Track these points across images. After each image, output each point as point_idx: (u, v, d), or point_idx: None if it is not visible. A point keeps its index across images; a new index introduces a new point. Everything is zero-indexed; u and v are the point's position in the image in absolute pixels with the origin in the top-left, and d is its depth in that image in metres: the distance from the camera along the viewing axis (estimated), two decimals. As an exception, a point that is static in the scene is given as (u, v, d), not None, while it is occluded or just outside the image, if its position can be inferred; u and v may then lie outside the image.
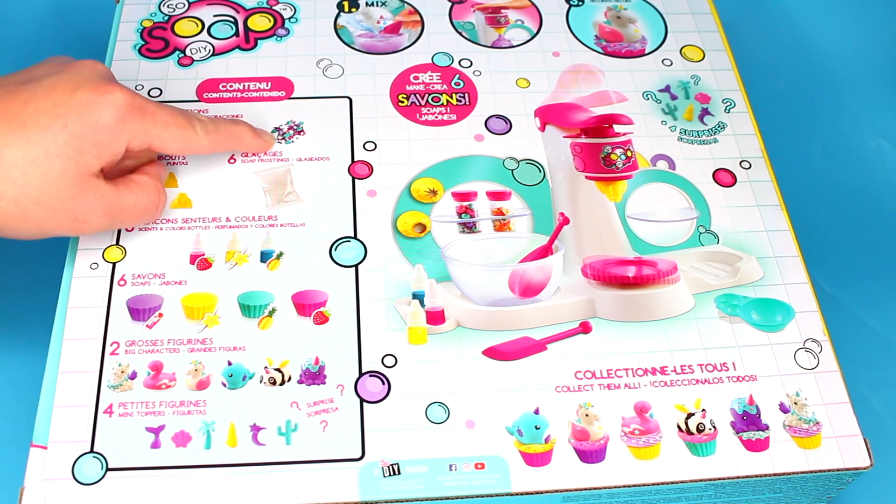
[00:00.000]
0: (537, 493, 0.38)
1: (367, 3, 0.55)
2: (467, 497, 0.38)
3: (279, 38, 0.52)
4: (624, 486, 0.38)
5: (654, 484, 0.38)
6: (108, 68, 0.42)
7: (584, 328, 0.42)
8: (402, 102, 0.50)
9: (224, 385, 0.40)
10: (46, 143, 0.37)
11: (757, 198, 0.48)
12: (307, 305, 0.42)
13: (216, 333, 0.41)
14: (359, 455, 0.38)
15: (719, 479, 0.39)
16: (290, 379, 0.40)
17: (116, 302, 0.42)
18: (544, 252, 0.44)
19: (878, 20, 0.68)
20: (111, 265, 0.43)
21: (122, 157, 0.41)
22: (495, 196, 0.47)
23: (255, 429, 0.39)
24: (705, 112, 0.51)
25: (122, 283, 0.42)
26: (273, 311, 0.42)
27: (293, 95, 0.50)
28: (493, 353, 0.41)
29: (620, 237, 0.46)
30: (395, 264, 0.44)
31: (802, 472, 0.39)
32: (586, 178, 0.48)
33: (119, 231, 0.44)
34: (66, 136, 0.38)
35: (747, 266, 0.45)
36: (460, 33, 0.54)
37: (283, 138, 0.48)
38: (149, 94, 0.49)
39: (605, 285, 0.44)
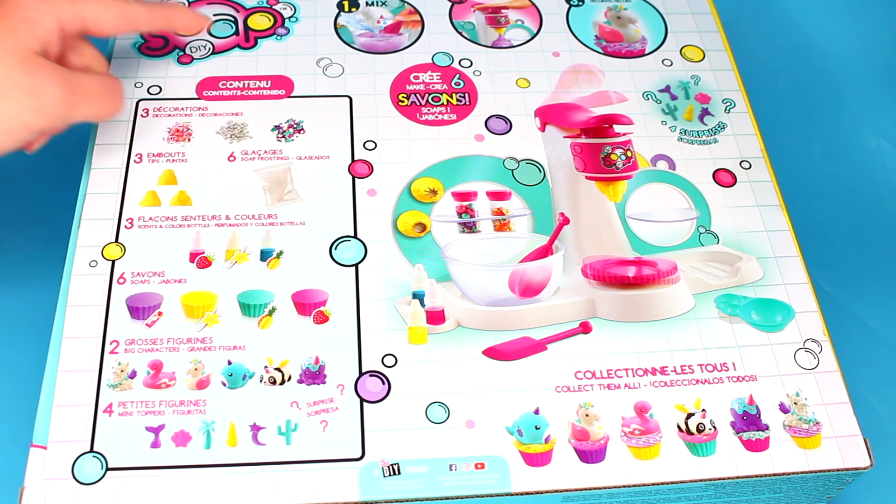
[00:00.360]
0: (537, 493, 0.38)
1: (367, 3, 0.55)
2: (467, 497, 0.38)
3: (279, 38, 0.52)
4: (624, 486, 0.38)
5: (654, 484, 0.38)
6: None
7: (584, 328, 0.42)
8: (403, 102, 0.50)
9: (224, 384, 0.40)
10: None
11: (757, 198, 0.48)
12: (307, 305, 0.42)
13: (216, 332, 0.41)
14: (359, 455, 0.38)
15: (719, 479, 0.39)
16: (290, 378, 0.40)
17: (116, 300, 0.42)
18: (544, 252, 0.44)
19: (878, 20, 0.68)
20: (110, 263, 0.43)
21: (57, 36, 0.40)
22: (495, 196, 0.47)
23: (255, 428, 0.39)
24: (705, 112, 0.51)
25: (121, 281, 0.42)
26: (273, 310, 0.42)
27: (293, 94, 0.50)
28: (493, 353, 0.41)
29: (620, 237, 0.46)
30: (395, 264, 0.44)
31: (802, 472, 0.39)
32: (586, 178, 0.48)
33: (118, 228, 0.44)
34: (3, 13, 0.38)
35: (747, 266, 0.45)
36: (460, 33, 0.54)
37: (284, 137, 0.48)
38: (148, 91, 0.49)
39: (605, 285, 0.44)
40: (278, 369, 0.40)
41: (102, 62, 0.45)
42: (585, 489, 0.38)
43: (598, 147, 0.48)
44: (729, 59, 0.54)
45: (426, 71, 0.52)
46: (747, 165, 0.49)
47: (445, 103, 0.50)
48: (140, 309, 0.41)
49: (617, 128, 0.49)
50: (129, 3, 0.43)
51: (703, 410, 0.40)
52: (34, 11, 0.39)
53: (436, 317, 0.42)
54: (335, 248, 0.44)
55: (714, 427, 0.40)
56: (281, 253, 0.44)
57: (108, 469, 0.37)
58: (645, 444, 0.39)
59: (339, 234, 0.44)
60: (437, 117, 0.49)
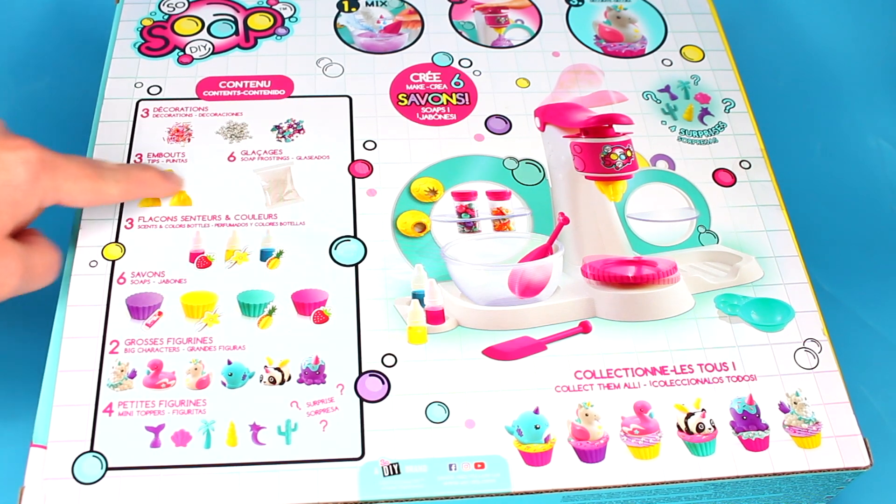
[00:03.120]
0: (537, 492, 0.38)
1: (367, 3, 0.55)
2: (467, 497, 0.38)
3: (279, 38, 0.52)
4: (624, 486, 0.38)
5: (653, 484, 0.38)
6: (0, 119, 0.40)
7: (584, 328, 0.42)
8: (402, 102, 0.50)
9: (224, 384, 0.40)
10: None
11: (757, 198, 0.48)
12: (307, 304, 0.42)
13: (216, 332, 0.41)
14: (359, 455, 0.38)
15: (719, 478, 0.39)
16: (289, 378, 0.40)
17: (116, 300, 0.42)
18: (544, 252, 0.44)
19: (878, 20, 0.68)
20: (110, 263, 0.43)
21: (33, 217, 0.39)
22: (495, 196, 0.47)
23: (255, 428, 0.39)
24: (705, 112, 0.51)
25: (121, 280, 0.42)
26: (273, 310, 0.42)
27: (293, 94, 0.50)
28: (493, 352, 0.41)
29: (620, 237, 0.46)
30: (395, 264, 0.44)
31: (802, 472, 0.39)
32: (586, 178, 0.48)
33: (118, 228, 0.44)
34: None
35: (747, 266, 0.45)
36: (460, 33, 0.54)
37: (283, 137, 0.48)
38: (148, 91, 0.49)
39: (605, 285, 0.44)
40: (278, 369, 0.40)
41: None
42: (585, 489, 0.38)
43: (598, 147, 0.48)
44: (729, 59, 0.54)
45: (426, 71, 0.52)
46: (747, 165, 0.49)
47: (445, 103, 0.50)
48: (140, 309, 0.41)
49: (617, 128, 0.49)
50: (103, 180, 0.41)
51: (703, 410, 0.40)
52: (21, 193, 0.37)
53: (435, 316, 0.42)
54: (335, 248, 0.44)
55: (714, 427, 0.40)
56: (281, 253, 0.44)
57: (107, 469, 0.37)
58: (645, 443, 0.39)
59: (339, 234, 0.44)
60: (436, 117, 0.49)
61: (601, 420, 0.40)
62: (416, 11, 0.55)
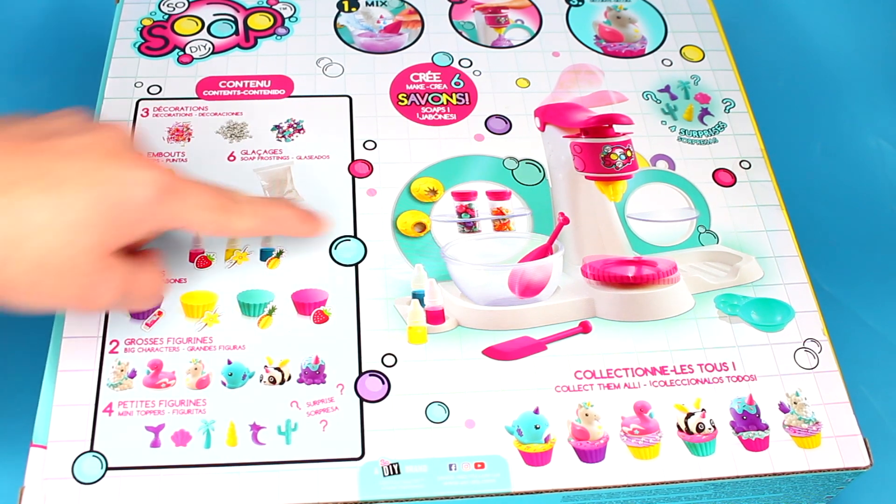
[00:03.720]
0: (537, 492, 0.38)
1: (367, 3, 0.55)
2: (467, 497, 0.38)
3: (279, 37, 0.52)
4: (624, 486, 0.38)
5: (653, 484, 0.38)
6: (129, 135, 0.38)
7: (584, 328, 0.42)
8: (402, 102, 0.50)
9: (224, 384, 0.40)
10: (77, 212, 0.33)
11: (757, 198, 0.48)
12: (307, 304, 0.42)
13: (216, 332, 0.41)
14: (359, 454, 0.38)
15: (719, 478, 0.39)
16: (289, 378, 0.40)
17: (116, 301, 0.42)
18: (544, 252, 0.44)
19: (878, 20, 0.68)
20: (111, 264, 0.43)
21: (148, 236, 0.38)
22: (495, 196, 0.47)
23: (255, 428, 0.39)
24: (705, 112, 0.51)
25: (121, 281, 0.42)
26: (273, 309, 0.42)
27: (293, 94, 0.50)
28: (493, 352, 0.41)
29: (620, 237, 0.46)
30: (395, 264, 0.44)
31: (802, 472, 0.39)
32: (586, 178, 0.48)
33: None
34: (99, 210, 0.34)
35: (747, 266, 0.45)
36: (460, 33, 0.54)
37: (284, 136, 0.48)
38: (148, 91, 0.49)
39: (605, 285, 0.44)
40: (278, 369, 0.40)
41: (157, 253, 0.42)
42: (585, 489, 0.38)
43: (598, 147, 0.48)
44: (729, 59, 0.54)
45: (426, 71, 0.52)
46: (747, 165, 0.49)
47: (445, 103, 0.50)
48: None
49: (617, 128, 0.49)
50: (231, 214, 0.38)
51: (703, 410, 0.40)
52: (142, 215, 0.35)
53: (435, 316, 0.42)
54: (335, 248, 0.44)
55: (714, 427, 0.40)
56: (281, 252, 0.44)
57: (107, 469, 0.37)
58: (644, 443, 0.39)
59: (339, 234, 0.44)
60: (436, 117, 0.49)
61: (601, 420, 0.40)
62: (416, 11, 0.55)
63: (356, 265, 0.44)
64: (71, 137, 0.35)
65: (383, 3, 0.55)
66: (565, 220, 0.46)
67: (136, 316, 0.41)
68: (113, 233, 0.35)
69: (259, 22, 0.53)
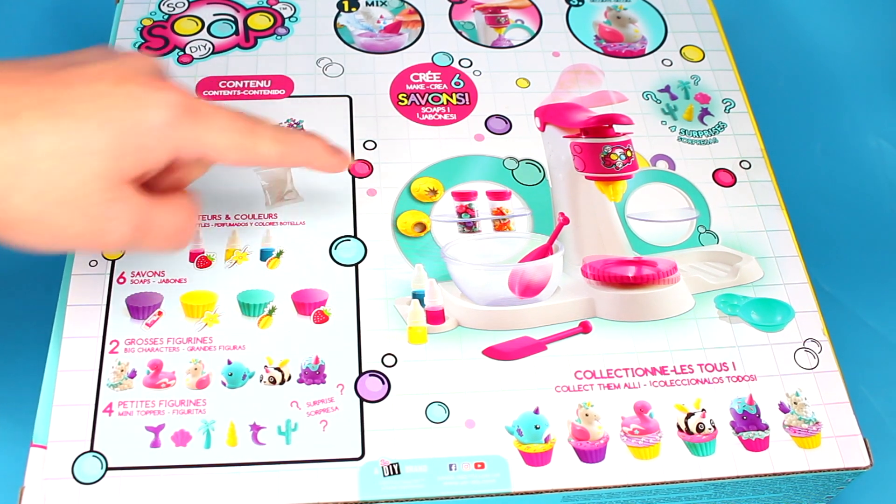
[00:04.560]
0: (537, 492, 0.38)
1: (367, 3, 0.55)
2: (467, 497, 0.38)
3: (279, 37, 0.52)
4: (624, 486, 0.38)
5: (653, 484, 0.38)
6: (159, 63, 0.36)
7: (584, 328, 0.42)
8: (402, 102, 0.50)
9: (224, 384, 0.40)
10: (83, 137, 0.31)
11: (757, 198, 0.48)
12: (307, 304, 0.42)
13: (216, 332, 0.41)
14: (359, 455, 0.38)
15: (719, 478, 0.39)
16: (289, 378, 0.40)
17: (116, 300, 0.42)
18: (544, 252, 0.44)
19: (878, 20, 0.68)
20: (110, 262, 0.43)
21: (164, 166, 0.35)
22: (495, 196, 0.47)
23: (255, 428, 0.39)
24: (705, 112, 0.51)
25: (121, 280, 0.42)
26: (273, 309, 0.42)
27: (293, 94, 0.50)
28: (493, 352, 0.41)
29: (620, 237, 0.46)
30: (395, 264, 0.44)
31: (802, 472, 0.39)
32: (586, 178, 0.48)
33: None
34: (108, 133, 0.32)
35: (747, 266, 0.45)
36: (460, 33, 0.54)
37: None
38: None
39: (605, 285, 0.44)
40: (278, 369, 0.40)
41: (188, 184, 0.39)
42: (585, 489, 0.38)
43: (598, 147, 0.48)
44: (729, 59, 0.54)
45: (426, 71, 0.52)
46: (747, 165, 0.49)
47: (445, 103, 0.50)
48: (140, 308, 0.41)
49: (617, 128, 0.49)
50: (257, 137, 0.36)
51: (703, 410, 0.40)
52: (154, 139, 0.33)
53: (436, 316, 0.42)
54: (335, 248, 0.44)
55: (714, 427, 0.40)
56: (281, 253, 0.44)
57: (107, 469, 0.37)
58: (645, 443, 0.39)
59: (339, 234, 0.44)
60: (437, 117, 0.49)
61: (601, 420, 0.40)
62: (416, 11, 0.55)
63: (356, 265, 0.44)
64: (91, 64, 0.33)
65: (383, 3, 0.55)
66: (565, 221, 0.46)
67: (136, 316, 0.41)
68: (126, 158, 0.32)
69: (259, 22, 0.53)
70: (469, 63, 0.52)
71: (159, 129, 0.33)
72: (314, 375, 0.40)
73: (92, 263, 0.43)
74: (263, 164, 0.38)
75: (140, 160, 0.33)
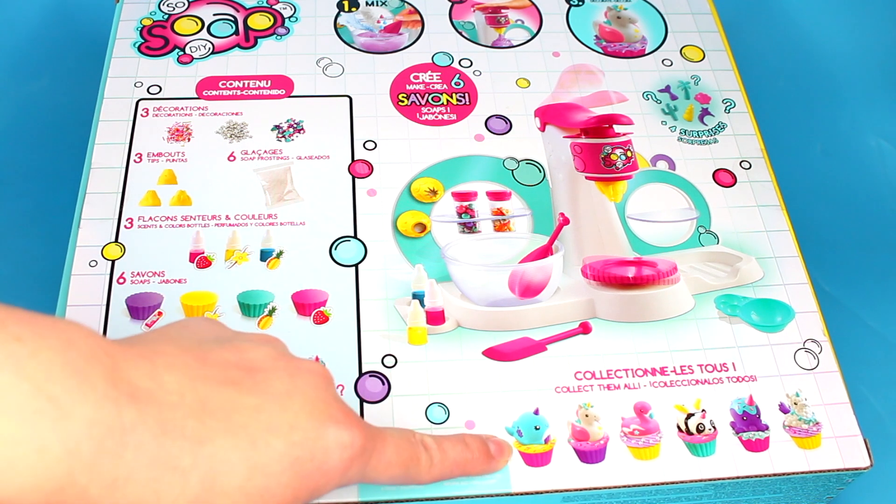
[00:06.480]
0: (537, 493, 0.38)
1: (367, 3, 0.55)
2: (467, 497, 0.38)
3: (279, 37, 0.52)
4: (624, 487, 0.38)
5: (654, 484, 0.38)
6: (329, 376, 0.33)
7: (584, 328, 0.42)
8: (403, 102, 0.50)
9: (224, 384, 0.40)
10: (270, 475, 0.28)
11: (757, 198, 0.48)
12: (307, 305, 0.42)
13: (216, 333, 0.41)
14: (358, 455, 0.38)
15: (719, 479, 0.39)
16: (289, 378, 0.40)
17: (116, 300, 0.42)
18: (544, 252, 0.44)
19: (878, 20, 0.68)
20: (110, 263, 0.43)
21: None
22: (495, 196, 0.47)
23: (255, 428, 0.38)
24: (705, 112, 0.51)
25: (121, 280, 0.42)
26: (273, 310, 0.42)
27: (293, 94, 0.50)
28: (493, 353, 0.41)
29: (620, 237, 0.46)
30: (395, 264, 0.44)
31: (802, 473, 0.39)
32: (586, 178, 0.48)
33: (118, 228, 0.44)
34: (298, 473, 0.29)
35: (747, 266, 0.45)
36: (460, 33, 0.54)
37: (284, 136, 0.48)
38: (148, 91, 0.49)
39: (605, 286, 0.44)
40: (278, 369, 0.40)
41: None
42: (585, 489, 0.38)
43: (598, 147, 0.48)
44: (729, 59, 0.54)
45: (426, 71, 0.52)
46: (747, 165, 0.49)
47: (445, 103, 0.50)
48: (140, 309, 0.41)
49: (617, 128, 0.49)
50: (417, 467, 0.34)
51: (703, 411, 0.40)
52: (333, 478, 0.31)
53: (436, 317, 0.42)
54: (335, 249, 0.44)
55: (714, 427, 0.40)
56: (281, 253, 0.44)
57: (107, 469, 0.37)
58: (645, 444, 0.39)
59: (339, 234, 0.44)
60: (437, 117, 0.49)
61: (601, 421, 0.40)
62: (416, 11, 0.55)
63: (356, 266, 0.43)
64: (275, 378, 0.31)
65: (383, 3, 0.55)
66: (565, 221, 0.46)
67: (137, 316, 0.41)
68: (302, 495, 0.30)
69: (259, 22, 0.53)
70: (469, 63, 0.52)
71: (337, 471, 0.31)
72: (314, 376, 0.40)
73: (92, 264, 0.43)
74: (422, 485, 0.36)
75: (312, 496, 0.31)
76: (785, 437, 0.40)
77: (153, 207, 0.45)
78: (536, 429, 0.39)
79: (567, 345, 0.42)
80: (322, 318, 0.42)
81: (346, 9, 0.55)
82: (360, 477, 0.32)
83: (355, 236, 0.44)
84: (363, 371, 0.40)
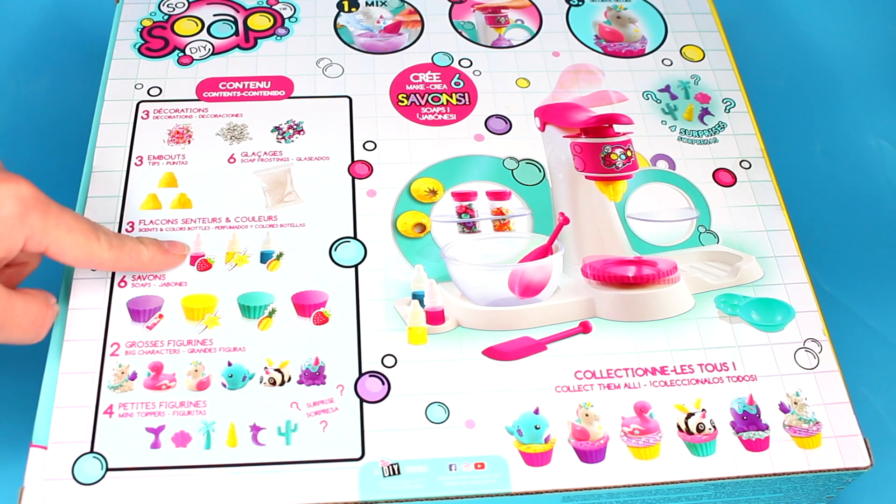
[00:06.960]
0: (537, 493, 0.38)
1: (367, 3, 0.55)
2: (467, 497, 0.38)
3: (279, 38, 0.52)
4: (624, 486, 0.38)
5: (654, 484, 0.38)
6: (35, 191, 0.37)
7: (584, 328, 0.42)
8: (402, 102, 0.50)
9: (224, 385, 0.40)
10: None
11: (757, 198, 0.48)
12: (307, 306, 0.42)
13: (216, 334, 0.41)
14: (359, 455, 0.38)
15: (719, 479, 0.39)
16: (289, 379, 0.40)
17: (117, 303, 0.42)
18: (544, 252, 0.44)
19: (878, 20, 0.68)
20: (111, 265, 0.43)
21: (14, 254, 0.36)
22: (495, 196, 0.47)
23: (255, 429, 0.39)
24: (705, 112, 0.51)
25: (122, 284, 0.42)
26: (273, 311, 0.42)
27: (293, 95, 0.50)
28: (493, 353, 0.41)
29: (620, 237, 0.46)
30: (395, 264, 0.44)
31: (802, 472, 0.39)
32: (586, 178, 0.48)
33: (119, 231, 0.44)
34: None
35: (747, 266, 0.45)
36: (460, 33, 0.54)
37: (283, 138, 0.48)
38: (148, 92, 0.49)
39: (605, 285, 0.44)
40: (278, 370, 0.40)
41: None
42: (585, 489, 0.38)
43: (598, 147, 0.48)
44: (729, 58, 0.54)
45: (426, 71, 0.52)
46: (747, 165, 0.49)
47: (445, 103, 0.50)
48: (141, 311, 0.41)
49: (617, 127, 0.49)
50: (97, 239, 0.38)
51: (703, 410, 0.40)
52: (6, 228, 0.35)
53: (435, 317, 0.42)
54: (335, 249, 0.44)
55: (714, 427, 0.40)
56: (281, 255, 0.44)
57: (108, 469, 0.37)
58: (645, 443, 0.39)
59: (339, 235, 0.44)
60: (436, 117, 0.49)
61: (601, 420, 0.40)
62: (416, 11, 0.55)
63: (356, 266, 0.44)
64: None
65: (383, 3, 0.55)
66: (565, 220, 0.46)
67: (137, 319, 0.41)
68: None
69: (259, 22, 0.53)
70: (469, 63, 0.52)
71: (11, 219, 0.35)
72: (314, 376, 0.40)
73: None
74: (98, 266, 0.40)
75: None
76: (785, 436, 0.40)
77: (154, 211, 0.45)
78: (536, 428, 0.39)
79: (567, 344, 0.42)
80: (322, 319, 0.42)
81: (346, 9, 0.55)
82: (43, 234, 0.36)
83: (355, 237, 0.44)
84: (363, 371, 0.40)
